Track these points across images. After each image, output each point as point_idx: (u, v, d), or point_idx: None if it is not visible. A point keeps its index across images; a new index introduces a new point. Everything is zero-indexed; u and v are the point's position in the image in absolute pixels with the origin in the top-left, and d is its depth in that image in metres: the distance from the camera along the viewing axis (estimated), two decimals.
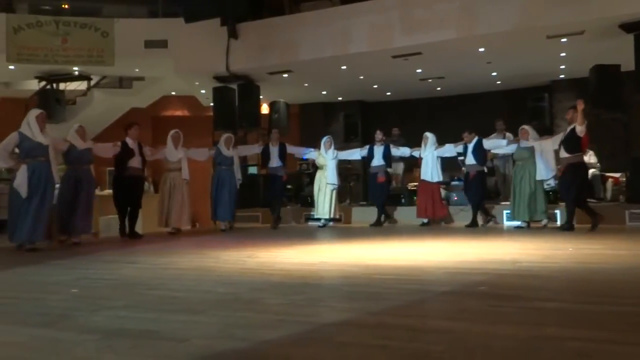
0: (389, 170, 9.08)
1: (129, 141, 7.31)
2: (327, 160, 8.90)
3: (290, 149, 9.30)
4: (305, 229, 8.97)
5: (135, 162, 7.28)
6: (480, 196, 8.13)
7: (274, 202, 9.01)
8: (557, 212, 8.19)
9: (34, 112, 5.97)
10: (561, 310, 2.43)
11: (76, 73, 11.95)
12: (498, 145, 8.27)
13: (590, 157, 9.09)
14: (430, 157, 8.37)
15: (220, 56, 10.25)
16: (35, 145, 5.78)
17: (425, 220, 8.59)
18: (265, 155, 8.97)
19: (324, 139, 9.11)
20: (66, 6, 12.54)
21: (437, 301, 2.69)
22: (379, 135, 8.95)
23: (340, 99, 13.37)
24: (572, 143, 6.73)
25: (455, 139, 8.59)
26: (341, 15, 9.68)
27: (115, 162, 7.35)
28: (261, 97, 11.26)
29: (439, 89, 12.23)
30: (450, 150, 8.43)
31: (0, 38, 10.53)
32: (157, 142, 9.81)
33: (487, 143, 8.18)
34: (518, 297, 2.73)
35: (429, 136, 8.52)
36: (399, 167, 10.48)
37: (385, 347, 1.88)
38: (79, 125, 6.92)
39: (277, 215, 8.91)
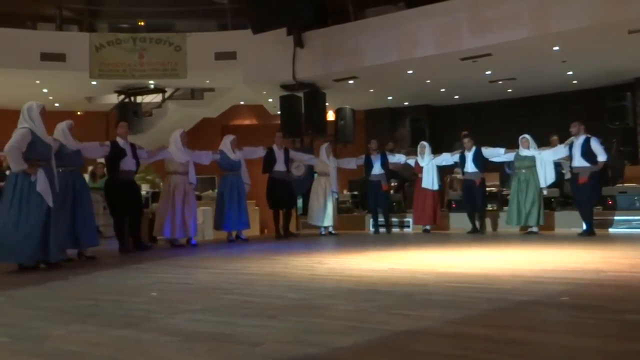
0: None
1: (120, 141, 6.55)
2: (329, 167, 8.84)
3: (292, 154, 8.93)
4: (364, 235, 8.90)
5: (128, 164, 6.50)
6: (484, 204, 8.29)
7: (284, 209, 8.58)
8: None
9: (37, 107, 4.91)
10: None
11: (152, 86, 12.57)
12: (496, 153, 8.20)
13: None
14: (430, 166, 8.59)
15: (286, 65, 10.43)
16: (47, 147, 4.96)
17: (428, 227, 8.70)
18: (269, 159, 8.36)
19: (324, 146, 9.00)
20: (142, 23, 13.23)
21: (516, 311, 2.59)
22: (373, 144, 9.04)
23: (406, 103, 13.22)
24: (591, 154, 6.93)
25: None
26: (407, 19, 9.58)
27: (106, 165, 6.73)
28: (327, 104, 11.33)
29: (510, 90, 11.81)
30: (447, 159, 8.65)
31: (84, 56, 11.26)
32: None
33: (486, 151, 8.19)
34: (603, 308, 2.57)
35: (426, 145, 8.74)
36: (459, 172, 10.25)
37: (463, 357, 1.83)
38: (70, 122, 5.85)
39: (287, 224, 8.57)
